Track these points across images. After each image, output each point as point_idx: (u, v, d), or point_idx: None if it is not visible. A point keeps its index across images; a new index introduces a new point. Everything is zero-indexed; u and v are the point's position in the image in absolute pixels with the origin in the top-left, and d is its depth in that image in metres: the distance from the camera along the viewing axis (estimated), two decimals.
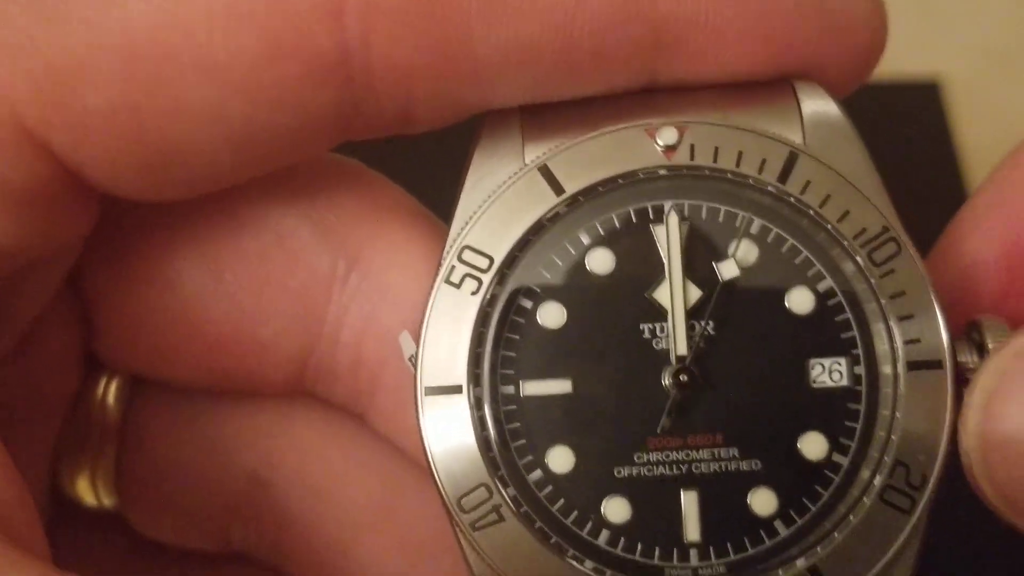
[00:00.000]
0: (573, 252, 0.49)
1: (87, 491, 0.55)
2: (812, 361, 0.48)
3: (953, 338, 0.47)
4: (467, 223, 0.48)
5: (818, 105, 0.49)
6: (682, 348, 0.48)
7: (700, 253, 0.48)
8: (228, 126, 0.45)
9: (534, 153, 0.49)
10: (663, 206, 0.49)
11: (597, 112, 0.49)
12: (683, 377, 0.47)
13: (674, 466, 0.48)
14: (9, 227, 0.45)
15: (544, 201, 0.48)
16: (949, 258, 0.49)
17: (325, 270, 0.51)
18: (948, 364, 0.47)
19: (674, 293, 0.48)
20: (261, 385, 0.53)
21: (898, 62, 0.52)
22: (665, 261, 0.48)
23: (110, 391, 0.54)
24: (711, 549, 0.47)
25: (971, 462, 0.45)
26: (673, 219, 0.48)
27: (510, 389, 0.48)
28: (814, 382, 0.48)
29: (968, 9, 0.49)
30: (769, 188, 0.48)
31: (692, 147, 0.48)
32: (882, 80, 0.52)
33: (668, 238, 0.48)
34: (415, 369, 0.48)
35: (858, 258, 0.48)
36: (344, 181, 0.53)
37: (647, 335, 0.48)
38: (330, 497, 0.54)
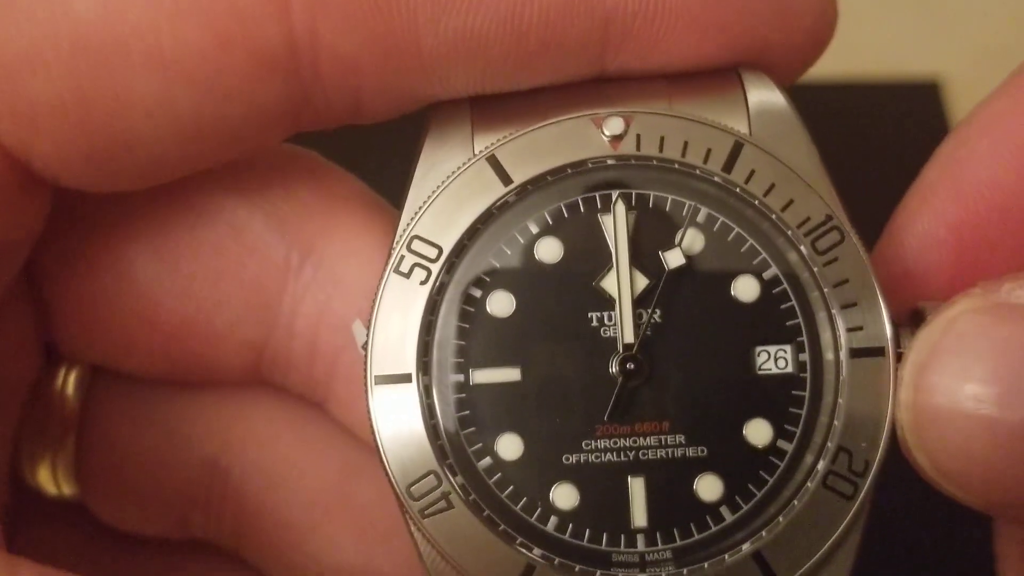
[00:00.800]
0: (522, 241, 0.49)
1: (48, 480, 0.55)
2: (758, 348, 0.49)
3: (897, 325, 0.47)
4: (416, 213, 0.49)
5: (764, 95, 0.50)
6: (629, 336, 0.48)
7: (647, 242, 0.49)
8: (176, 117, 0.46)
9: (484, 143, 0.49)
10: (610, 195, 0.49)
11: (547, 102, 0.49)
12: (630, 365, 0.48)
13: (622, 453, 0.48)
14: None
15: (493, 191, 0.49)
16: (899, 239, 0.50)
17: (279, 260, 0.52)
18: (890, 351, 0.47)
19: (621, 282, 0.49)
20: (218, 374, 0.54)
21: (898, 62, 0.52)
22: (612, 250, 0.49)
23: (69, 381, 0.55)
24: (658, 535, 0.48)
25: (906, 436, 0.45)
26: (620, 208, 0.49)
27: (460, 377, 0.49)
28: (760, 369, 0.48)
29: (968, 9, 0.50)
30: (715, 178, 0.48)
31: (638, 137, 0.49)
32: (882, 80, 0.52)
33: (615, 227, 0.49)
34: (365, 362, 0.48)
35: (802, 247, 0.48)
36: (299, 172, 0.53)
37: (595, 323, 0.49)
38: (287, 484, 0.55)
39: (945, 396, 0.43)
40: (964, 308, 0.44)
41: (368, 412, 0.48)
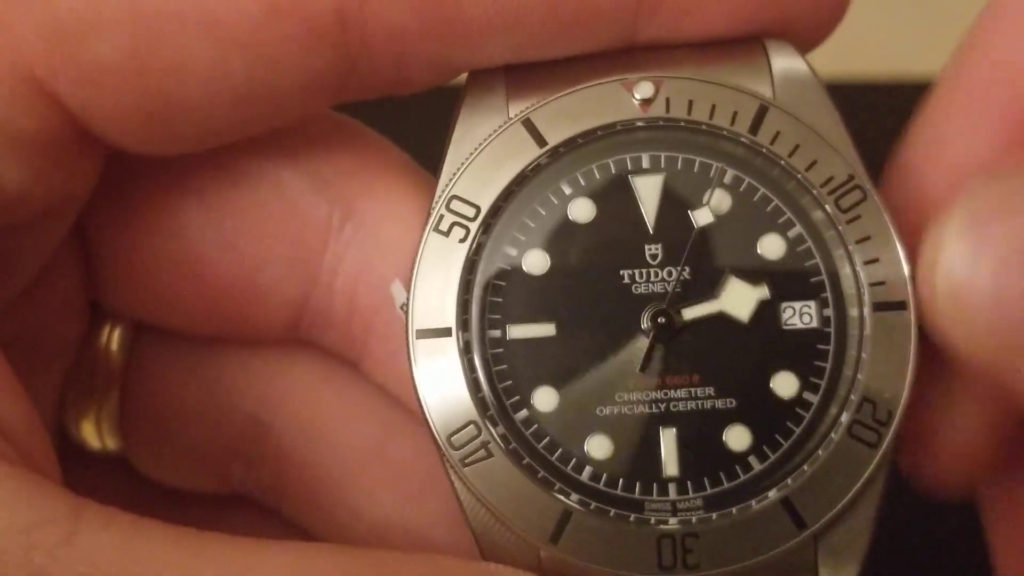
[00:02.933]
0: (556, 202, 0.51)
1: (92, 435, 0.57)
2: (783, 304, 0.50)
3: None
4: (455, 174, 0.51)
5: (787, 62, 0.51)
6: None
7: (676, 202, 0.51)
8: (229, 83, 0.47)
9: (517, 108, 0.51)
10: (641, 157, 0.51)
11: (578, 70, 0.51)
12: (661, 319, 0.50)
13: (653, 405, 0.50)
14: (19, 175, 0.47)
15: (527, 152, 0.50)
16: (901, 185, 0.51)
17: (321, 220, 0.53)
18: (912, 304, 0.49)
19: None
20: (259, 331, 0.55)
21: (898, 62, 0.54)
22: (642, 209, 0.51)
23: (114, 338, 0.56)
24: (689, 484, 0.50)
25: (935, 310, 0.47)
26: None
27: (497, 333, 0.50)
28: (785, 324, 0.50)
29: (968, 9, 0.51)
30: (742, 139, 0.50)
31: (668, 100, 0.50)
32: (882, 80, 0.54)
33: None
34: (406, 316, 0.50)
35: (826, 206, 0.50)
36: (340, 137, 0.55)
37: (627, 280, 0.50)
38: (326, 439, 0.56)
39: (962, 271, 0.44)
40: (994, 178, 0.45)
41: (409, 365, 0.50)
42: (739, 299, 0.50)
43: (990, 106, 0.49)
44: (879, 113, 0.55)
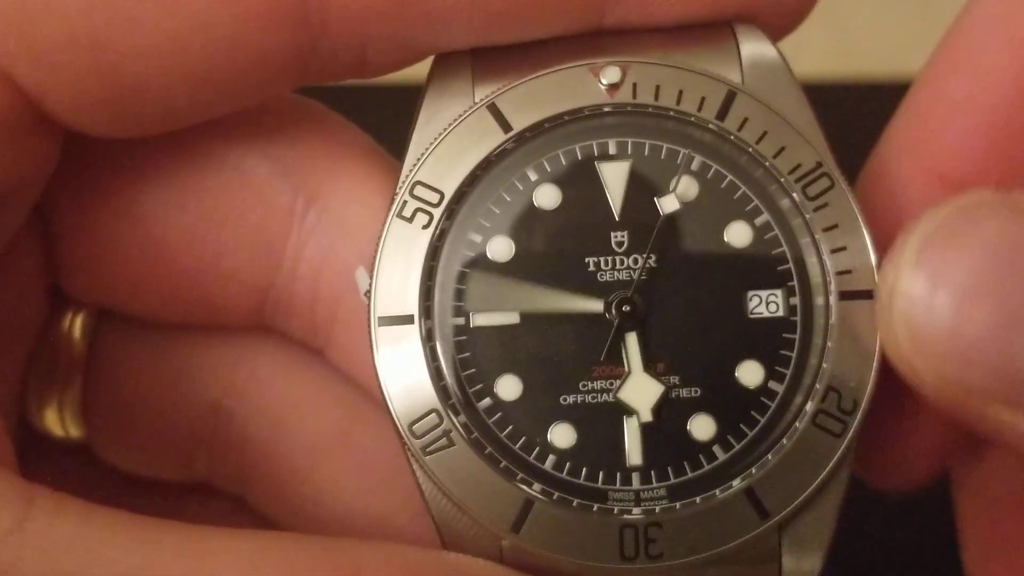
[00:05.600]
0: (521, 188, 0.50)
1: (55, 423, 0.56)
2: (750, 293, 0.50)
3: None
4: (419, 159, 0.50)
5: (756, 47, 0.51)
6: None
7: (642, 188, 0.50)
8: (187, 64, 0.47)
9: (484, 92, 0.51)
10: (608, 143, 0.51)
11: (545, 54, 0.51)
12: (625, 308, 0.49)
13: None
14: None
15: (493, 138, 0.50)
16: (877, 186, 0.51)
17: (285, 205, 0.53)
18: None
19: None
20: (223, 317, 0.55)
21: (898, 62, 0.54)
22: (608, 196, 0.50)
23: (76, 324, 0.56)
24: (652, 472, 0.49)
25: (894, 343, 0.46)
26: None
27: (460, 320, 0.50)
28: (751, 313, 0.50)
29: None
30: (710, 126, 0.50)
31: (634, 86, 0.50)
32: (882, 80, 0.53)
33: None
34: (369, 303, 0.50)
35: (794, 194, 0.49)
36: (304, 121, 0.54)
37: (592, 268, 0.50)
38: (290, 426, 0.56)
39: (926, 290, 0.44)
40: (976, 199, 0.44)
41: (371, 352, 0.49)
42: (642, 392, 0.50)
43: (965, 106, 0.49)
44: (877, 113, 0.55)
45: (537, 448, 0.49)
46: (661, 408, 0.49)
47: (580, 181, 0.51)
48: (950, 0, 0.53)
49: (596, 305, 0.50)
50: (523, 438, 0.49)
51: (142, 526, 0.43)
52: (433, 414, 0.49)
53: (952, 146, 0.50)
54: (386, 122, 0.54)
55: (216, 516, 0.58)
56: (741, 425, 0.49)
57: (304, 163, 0.53)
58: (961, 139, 0.50)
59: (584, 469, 0.49)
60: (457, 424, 0.49)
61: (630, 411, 0.49)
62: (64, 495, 0.43)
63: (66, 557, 0.41)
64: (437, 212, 0.50)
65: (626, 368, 0.49)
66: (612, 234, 0.50)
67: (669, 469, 0.49)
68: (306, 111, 0.55)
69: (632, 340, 0.50)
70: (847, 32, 0.53)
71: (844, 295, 0.49)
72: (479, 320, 0.50)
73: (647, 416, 0.49)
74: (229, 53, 0.47)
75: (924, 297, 0.43)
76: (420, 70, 0.52)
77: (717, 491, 0.49)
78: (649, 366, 0.49)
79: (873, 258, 0.49)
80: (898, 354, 0.45)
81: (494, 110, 0.50)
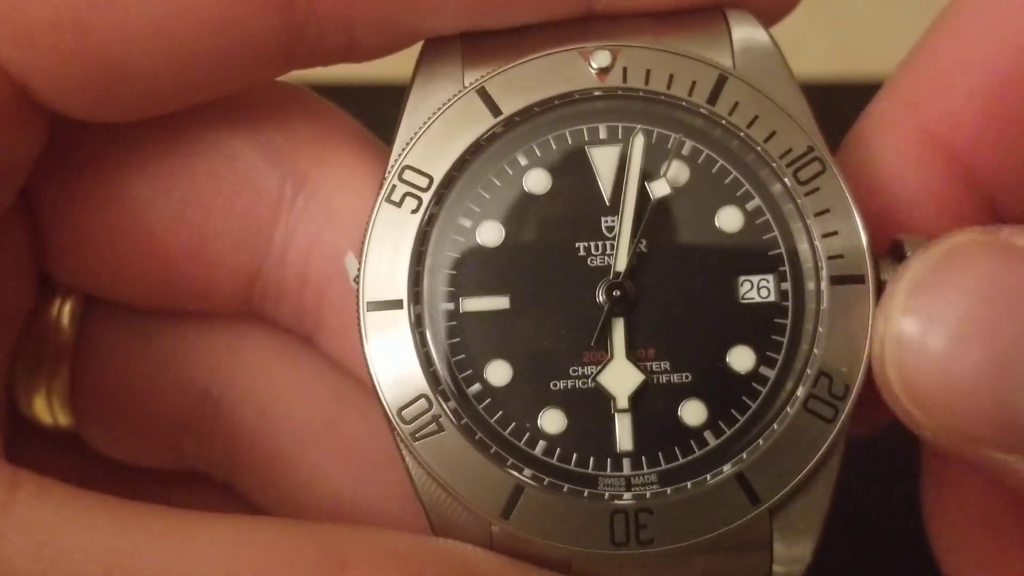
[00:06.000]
0: (510, 172, 0.50)
1: (43, 410, 0.56)
2: (741, 278, 0.50)
3: (877, 255, 0.49)
4: (408, 143, 0.50)
5: (748, 32, 0.51)
6: (622, 264, 0.49)
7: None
8: (172, 46, 0.46)
9: (473, 77, 0.50)
10: (598, 128, 0.50)
11: (535, 38, 0.50)
12: (616, 292, 0.49)
13: None
14: None
15: (482, 122, 0.50)
16: (864, 142, 0.51)
17: (273, 191, 0.53)
18: (870, 278, 0.48)
19: (625, 211, 0.50)
20: (211, 303, 0.55)
21: (898, 62, 0.54)
22: (599, 181, 0.50)
23: (64, 311, 0.56)
24: (643, 458, 0.49)
25: (882, 369, 0.46)
26: (639, 140, 0.50)
27: (450, 306, 0.50)
28: (743, 298, 0.50)
29: None
30: (701, 110, 0.50)
31: (625, 70, 0.50)
32: (882, 80, 0.53)
33: (630, 159, 0.50)
34: (358, 288, 0.49)
35: (785, 178, 0.49)
36: (293, 106, 0.54)
37: (582, 253, 0.50)
38: (277, 413, 0.56)
39: (927, 327, 0.44)
40: (964, 240, 0.44)
41: (360, 338, 0.49)
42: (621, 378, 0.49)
43: (967, 66, 0.49)
44: None
45: (527, 434, 0.49)
46: (639, 397, 0.49)
47: (570, 166, 0.50)
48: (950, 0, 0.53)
49: (586, 290, 0.49)
50: (513, 423, 0.49)
51: (127, 510, 0.43)
52: (422, 399, 0.49)
53: (948, 106, 0.49)
54: (380, 120, 0.54)
55: (204, 503, 0.58)
56: (732, 410, 0.49)
57: (292, 148, 0.53)
58: (958, 99, 0.49)
59: (574, 455, 0.49)
60: (447, 409, 0.49)
61: (608, 396, 0.49)
62: (49, 479, 0.43)
63: (51, 540, 0.41)
64: (426, 197, 0.50)
65: (609, 353, 0.49)
66: (603, 219, 0.50)
67: (660, 455, 0.49)
68: (295, 96, 0.55)
69: (618, 326, 0.49)
70: (847, 32, 0.53)
71: (835, 280, 0.49)
72: (469, 305, 0.50)
73: (623, 403, 0.49)
74: (215, 36, 0.46)
75: (915, 343, 0.44)
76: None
77: (708, 476, 0.48)
78: (635, 352, 0.49)
79: (865, 242, 0.48)
80: (895, 401, 0.46)
81: (484, 94, 0.50)
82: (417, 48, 0.51)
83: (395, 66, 0.52)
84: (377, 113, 0.55)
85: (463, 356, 0.49)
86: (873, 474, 0.51)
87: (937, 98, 0.50)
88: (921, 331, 0.43)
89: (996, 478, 0.46)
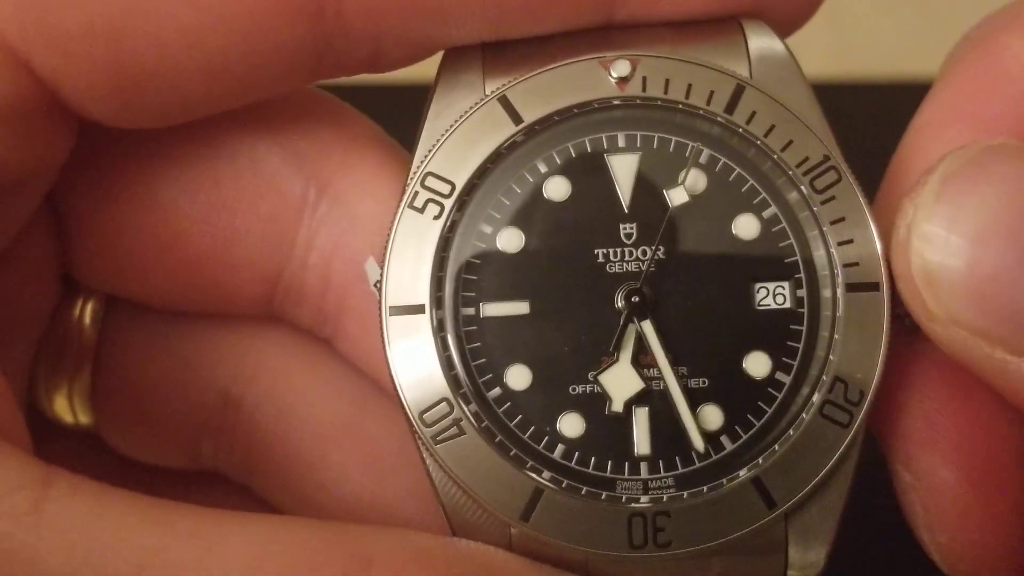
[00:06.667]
0: (531, 180, 0.51)
1: (64, 409, 0.57)
2: (757, 285, 0.50)
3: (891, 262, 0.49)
4: (430, 151, 0.50)
5: (764, 42, 0.52)
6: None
7: (651, 181, 0.51)
8: (203, 55, 0.47)
9: (494, 85, 0.51)
10: (617, 136, 0.51)
11: (555, 48, 0.51)
12: (634, 299, 0.50)
13: None
14: None
15: (503, 130, 0.50)
16: (901, 177, 0.51)
17: (296, 195, 0.53)
18: (885, 286, 0.49)
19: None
20: (232, 305, 0.55)
21: (898, 62, 0.54)
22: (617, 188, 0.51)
23: (86, 312, 0.56)
24: (660, 462, 0.50)
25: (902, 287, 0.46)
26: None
27: (471, 311, 0.50)
28: (759, 304, 0.50)
29: (968, 9, 0.51)
30: (718, 119, 0.50)
31: (644, 79, 0.50)
32: (882, 80, 0.54)
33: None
34: (380, 293, 0.50)
35: (801, 187, 0.50)
36: (317, 112, 0.55)
37: (601, 259, 0.50)
38: (297, 415, 0.56)
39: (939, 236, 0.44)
40: (1000, 143, 0.45)
41: (382, 342, 0.50)
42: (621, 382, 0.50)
43: (987, 107, 0.49)
44: (877, 113, 0.55)
45: (546, 437, 0.50)
46: (654, 401, 0.50)
47: (590, 173, 0.51)
48: (950, 1, 0.53)
49: (605, 296, 0.50)
50: (532, 427, 0.50)
51: (156, 509, 0.44)
52: (444, 403, 0.49)
53: (1000, 112, 0.50)
54: (399, 121, 0.54)
55: (222, 504, 0.57)
56: (748, 415, 0.50)
57: (316, 153, 0.53)
58: (1011, 105, 0.49)
59: (593, 458, 0.50)
60: (468, 413, 0.49)
61: (605, 396, 0.50)
62: (80, 477, 0.43)
63: (83, 538, 0.41)
64: (448, 203, 0.50)
65: (616, 356, 0.50)
66: (621, 226, 0.51)
67: (677, 459, 0.50)
68: (319, 102, 0.55)
69: (630, 332, 0.50)
70: (847, 32, 0.53)
71: (851, 287, 0.49)
72: (489, 310, 0.50)
73: (618, 407, 0.50)
74: (245, 46, 0.47)
75: (941, 235, 0.44)
76: (431, 69, 0.53)
77: (724, 481, 0.49)
78: (640, 360, 0.50)
79: (880, 251, 0.49)
80: (911, 290, 0.46)
81: (505, 102, 0.51)
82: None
83: (410, 67, 0.53)
84: (392, 113, 0.56)
85: (484, 360, 0.50)
86: (887, 480, 0.51)
87: (988, 104, 0.49)
88: (948, 225, 0.44)
89: (997, 384, 0.46)
